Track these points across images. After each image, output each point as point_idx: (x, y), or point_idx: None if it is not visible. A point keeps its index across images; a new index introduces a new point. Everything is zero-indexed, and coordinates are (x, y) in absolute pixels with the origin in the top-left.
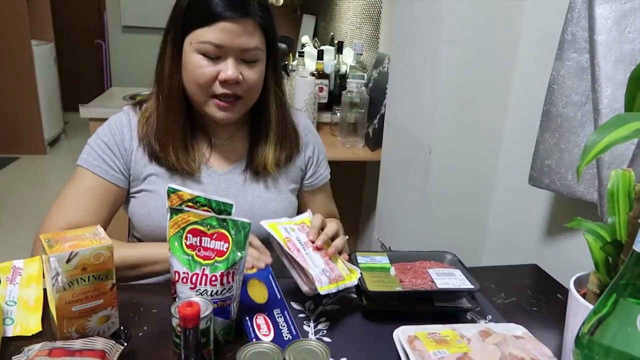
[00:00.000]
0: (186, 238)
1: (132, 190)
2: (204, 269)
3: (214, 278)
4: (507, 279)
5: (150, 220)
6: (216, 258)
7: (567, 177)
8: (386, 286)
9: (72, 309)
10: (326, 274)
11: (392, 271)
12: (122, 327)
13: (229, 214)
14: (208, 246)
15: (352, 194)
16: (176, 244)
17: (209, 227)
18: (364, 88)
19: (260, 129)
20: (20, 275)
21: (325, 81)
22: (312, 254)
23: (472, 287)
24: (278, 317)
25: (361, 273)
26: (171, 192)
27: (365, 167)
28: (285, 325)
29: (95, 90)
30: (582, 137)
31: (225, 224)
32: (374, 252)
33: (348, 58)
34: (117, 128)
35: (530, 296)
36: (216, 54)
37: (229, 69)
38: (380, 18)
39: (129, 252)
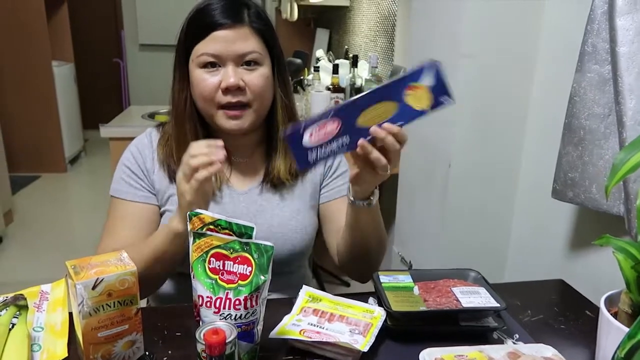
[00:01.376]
0: (209, 262)
1: (161, 209)
2: (227, 292)
3: (237, 302)
4: (533, 296)
5: None
6: (239, 282)
7: (591, 190)
8: (410, 306)
9: (98, 335)
10: (355, 332)
11: (416, 290)
12: (147, 352)
13: (250, 237)
14: (231, 270)
15: None
16: (199, 268)
17: (231, 250)
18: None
19: (274, 141)
20: (47, 300)
21: (341, 95)
22: (330, 325)
23: (498, 305)
24: None
25: (384, 293)
26: (192, 215)
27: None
28: None
29: (114, 108)
30: (606, 149)
31: (248, 247)
32: (396, 270)
33: (363, 71)
34: (138, 151)
35: (557, 313)
36: (215, 64)
37: (229, 76)
38: (394, 31)
39: (142, 248)
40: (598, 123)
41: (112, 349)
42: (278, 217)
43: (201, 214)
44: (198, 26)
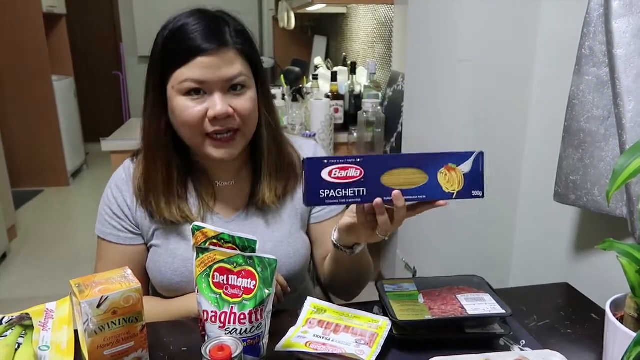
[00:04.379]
0: (213, 277)
1: (148, 245)
2: (232, 307)
3: (242, 316)
4: (538, 300)
5: (163, 277)
6: (244, 296)
7: (593, 192)
8: (415, 315)
9: (104, 353)
10: (361, 342)
11: (421, 299)
12: None
13: (253, 250)
14: (235, 284)
15: None
16: (203, 283)
17: (235, 265)
18: (379, 107)
19: (259, 163)
20: (52, 318)
21: (340, 102)
22: (336, 337)
23: (503, 312)
24: None
25: (389, 302)
26: (195, 229)
27: None
28: None
29: (115, 120)
30: (607, 151)
31: (251, 261)
32: (400, 279)
33: (362, 78)
34: (118, 188)
35: (564, 317)
36: (199, 90)
37: (216, 104)
38: (392, 37)
39: (161, 311)
40: (598, 125)
41: None
42: (270, 242)
43: (204, 227)
44: (178, 50)
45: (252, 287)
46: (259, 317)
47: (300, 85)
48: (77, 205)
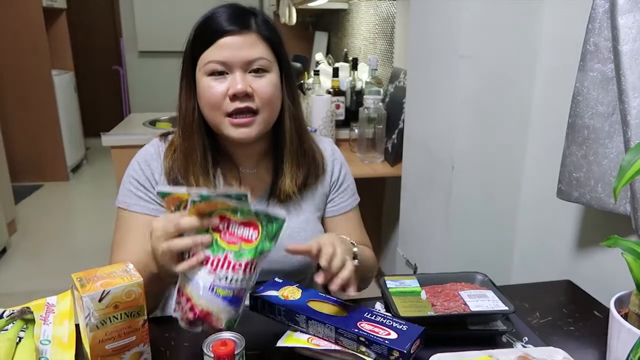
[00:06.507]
0: (212, 221)
1: None
2: (227, 254)
3: (238, 265)
4: (541, 297)
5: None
6: (242, 244)
7: (597, 189)
8: (418, 311)
9: (105, 347)
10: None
11: (423, 295)
12: None
13: (247, 203)
14: (235, 232)
15: (372, 209)
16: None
17: (239, 214)
18: (381, 103)
19: (280, 153)
20: (54, 312)
21: (342, 98)
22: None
23: (506, 308)
24: None
25: (392, 298)
26: (164, 195)
27: (385, 182)
28: None
29: (115, 115)
30: (611, 148)
31: (257, 214)
32: (402, 275)
33: (363, 74)
34: (145, 162)
35: (566, 314)
36: (223, 72)
37: (237, 83)
38: (394, 33)
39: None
40: (602, 122)
41: None
42: (288, 229)
43: (174, 193)
44: (205, 34)
45: (253, 239)
46: (253, 269)
47: (302, 81)
48: (76, 200)
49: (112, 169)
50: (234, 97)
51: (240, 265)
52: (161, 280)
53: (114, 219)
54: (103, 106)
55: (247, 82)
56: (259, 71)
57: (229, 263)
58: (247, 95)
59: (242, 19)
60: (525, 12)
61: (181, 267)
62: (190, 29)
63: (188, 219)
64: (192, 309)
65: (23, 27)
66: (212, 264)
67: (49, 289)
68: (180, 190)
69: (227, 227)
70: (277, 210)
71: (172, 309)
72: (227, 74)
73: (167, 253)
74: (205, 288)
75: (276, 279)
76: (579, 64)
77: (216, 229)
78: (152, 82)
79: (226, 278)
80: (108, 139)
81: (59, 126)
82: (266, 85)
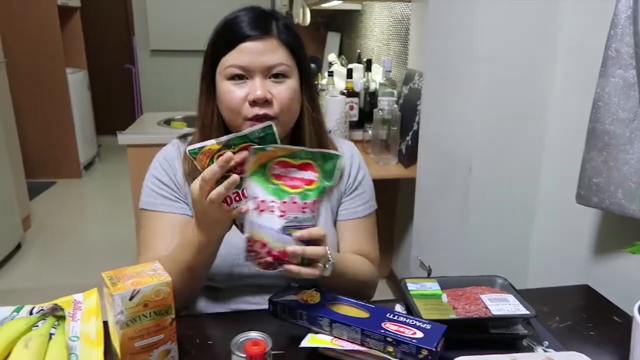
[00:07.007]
0: (272, 169)
1: None
2: (293, 197)
3: (304, 205)
4: (559, 302)
5: None
6: (304, 186)
7: (617, 195)
8: (440, 314)
9: (135, 345)
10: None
11: (444, 298)
12: None
13: (273, 134)
14: (295, 176)
15: (386, 211)
16: (260, 176)
17: (297, 158)
18: (395, 105)
19: None
20: (81, 309)
21: (356, 99)
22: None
23: (527, 313)
24: None
25: (413, 300)
26: (194, 153)
27: (399, 184)
28: None
29: (126, 114)
30: (632, 154)
31: (313, 155)
32: (422, 278)
33: (377, 75)
34: (167, 162)
35: (585, 319)
36: (243, 76)
37: (256, 89)
38: (408, 34)
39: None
40: (623, 128)
41: (149, 358)
42: None
43: (205, 146)
44: (226, 38)
45: (313, 178)
46: (317, 208)
47: (316, 82)
48: (89, 197)
49: (124, 168)
50: (254, 103)
51: (306, 205)
52: (202, 252)
53: (126, 217)
54: (115, 104)
55: (267, 88)
56: (279, 76)
57: (296, 205)
58: (266, 101)
59: (263, 24)
60: (544, 16)
61: (235, 212)
62: (201, 29)
63: (208, 169)
64: (269, 252)
65: (38, 25)
66: (280, 209)
67: (64, 285)
68: (209, 143)
69: (288, 173)
70: (330, 150)
71: (197, 308)
72: (247, 78)
73: (214, 208)
74: (278, 231)
75: (292, 284)
76: (600, 70)
77: (278, 177)
78: (164, 80)
79: (295, 218)
80: (124, 138)
81: (73, 124)
82: (285, 90)
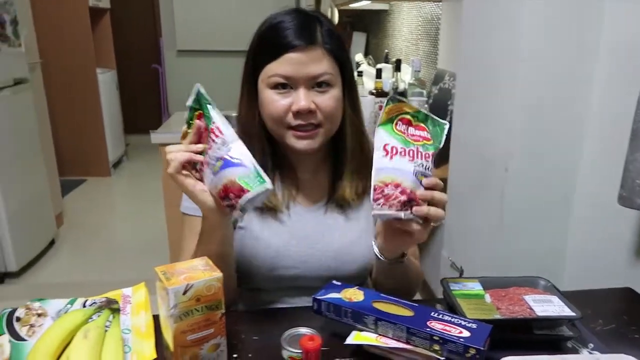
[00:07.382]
0: (396, 124)
1: (235, 225)
2: (417, 147)
3: (427, 155)
4: (602, 304)
5: (243, 258)
6: (424, 141)
7: None
8: (484, 314)
9: (187, 338)
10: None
11: (488, 298)
12: (234, 355)
13: (199, 92)
14: (414, 133)
15: None
16: (389, 127)
17: (416, 119)
18: (425, 105)
19: (340, 160)
20: (130, 303)
21: (385, 99)
22: None
23: (573, 314)
24: None
25: (456, 300)
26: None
27: None
28: None
29: (153, 113)
30: None
31: (426, 119)
32: (463, 278)
33: (406, 75)
34: None
35: (628, 322)
36: (286, 85)
37: (300, 99)
38: (438, 34)
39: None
40: None
41: (199, 352)
42: (346, 237)
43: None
44: (270, 45)
45: (428, 137)
46: (434, 161)
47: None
48: (118, 195)
49: (152, 166)
50: (297, 114)
51: (428, 155)
52: (210, 240)
53: (156, 216)
54: (142, 104)
55: (311, 98)
56: (322, 85)
57: (421, 154)
58: (310, 112)
59: (308, 32)
60: (587, 15)
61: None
62: (226, 29)
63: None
64: (403, 191)
65: (70, 27)
66: (409, 155)
67: (97, 280)
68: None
69: (408, 130)
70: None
71: (237, 308)
72: (291, 88)
73: (179, 178)
74: (411, 173)
75: (334, 282)
76: None
77: (401, 132)
78: (190, 80)
79: (422, 165)
80: (157, 137)
81: (102, 123)
82: (329, 100)
